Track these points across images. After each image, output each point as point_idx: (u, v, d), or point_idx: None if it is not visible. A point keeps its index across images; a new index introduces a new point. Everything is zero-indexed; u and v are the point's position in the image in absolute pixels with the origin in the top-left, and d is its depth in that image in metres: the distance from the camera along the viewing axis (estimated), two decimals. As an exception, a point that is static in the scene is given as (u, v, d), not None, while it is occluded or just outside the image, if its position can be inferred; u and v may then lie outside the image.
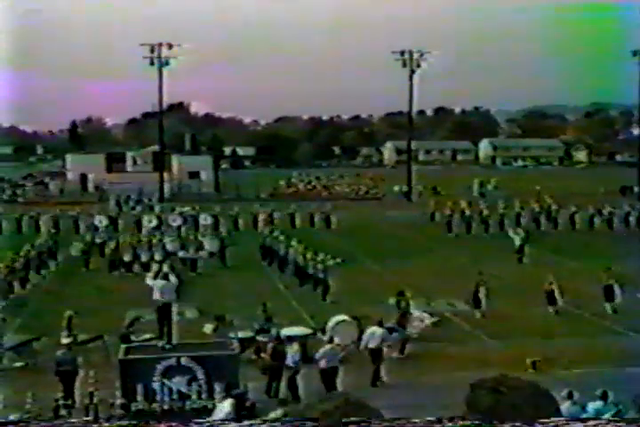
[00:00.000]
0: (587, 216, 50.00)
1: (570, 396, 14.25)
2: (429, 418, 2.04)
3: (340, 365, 18.58)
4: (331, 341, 20.19)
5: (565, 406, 13.80)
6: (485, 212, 49.04)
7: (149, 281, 20.91)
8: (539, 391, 2.28)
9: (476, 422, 2.05)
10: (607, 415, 9.01)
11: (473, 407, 2.23)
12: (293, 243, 34.26)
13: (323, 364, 18.23)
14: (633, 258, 34.17)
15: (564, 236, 46.32)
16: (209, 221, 47.08)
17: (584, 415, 10.46)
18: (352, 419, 1.91)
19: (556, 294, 26.21)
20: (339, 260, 31.15)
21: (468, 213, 49.09)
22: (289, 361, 18.27)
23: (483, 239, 45.35)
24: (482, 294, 26.24)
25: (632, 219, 50.21)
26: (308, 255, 31.29)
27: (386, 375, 19.75)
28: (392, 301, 24.31)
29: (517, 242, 37.88)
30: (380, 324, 20.54)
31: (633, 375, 17.96)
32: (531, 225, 47.52)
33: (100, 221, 46.93)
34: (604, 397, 13.18)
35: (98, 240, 38.93)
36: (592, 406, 13.32)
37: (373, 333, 20.18)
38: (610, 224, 49.59)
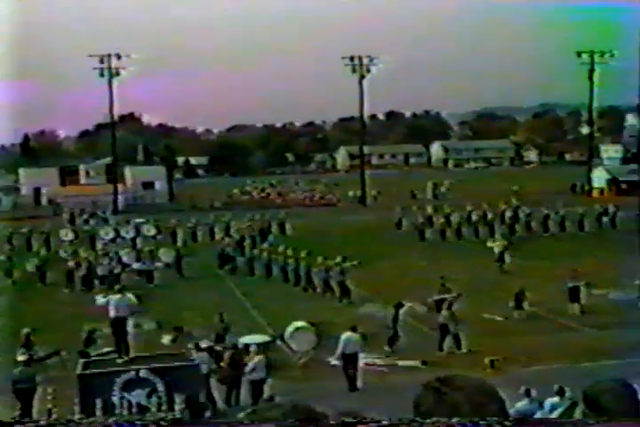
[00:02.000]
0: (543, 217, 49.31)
1: (527, 393, 14.46)
2: (430, 418, 2.05)
3: (268, 375, 18.46)
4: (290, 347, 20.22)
5: (523, 404, 14.01)
6: (455, 219, 48.08)
7: (100, 301, 20.42)
8: (483, 390, 2.26)
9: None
10: (560, 409, 9.18)
11: (417, 408, 2.25)
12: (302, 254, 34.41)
13: (253, 375, 18.16)
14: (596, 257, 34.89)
15: (540, 240, 45.43)
16: (152, 232, 46.68)
17: (540, 412, 10.62)
18: (352, 419, 1.91)
19: (525, 297, 26.42)
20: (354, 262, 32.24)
21: (441, 219, 47.93)
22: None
23: (451, 245, 44.72)
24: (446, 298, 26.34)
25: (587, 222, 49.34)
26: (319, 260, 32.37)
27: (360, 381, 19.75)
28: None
29: (497, 250, 36.69)
30: (354, 329, 20.50)
31: (588, 370, 18.28)
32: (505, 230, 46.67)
33: (67, 234, 46.50)
34: (560, 392, 13.37)
35: (63, 254, 38.62)
36: (549, 402, 13.52)
37: (349, 338, 20.12)
38: (581, 226, 48.79)
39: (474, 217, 48.57)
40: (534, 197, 60.53)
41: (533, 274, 32.72)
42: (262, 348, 20.14)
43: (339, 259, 31.92)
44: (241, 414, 2.10)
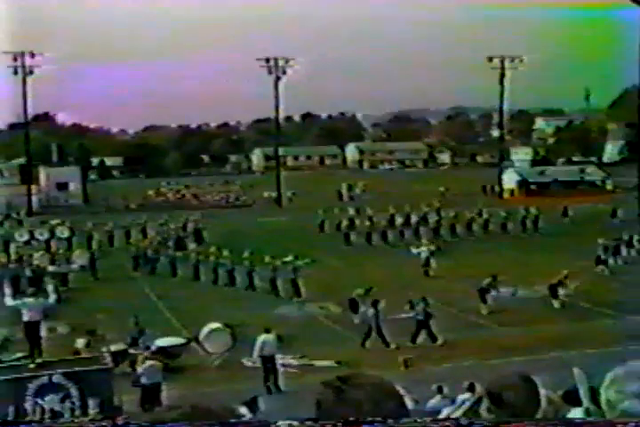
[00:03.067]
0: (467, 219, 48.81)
1: (440, 390, 14.81)
2: (431, 418, 2.11)
3: (164, 381, 18.25)
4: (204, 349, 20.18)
5: (435, 400, 14.34)
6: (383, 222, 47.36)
7: (10, 302, 20.06)
8: (382, 388, 2.31)
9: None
10: (467, 405, 9.45)
11: (318, 405, 2.31)
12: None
13: (144, 380, 17.98)
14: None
15: (464, 243, 44.96)
16: (65, 234, 45.85)
17: (447, 408, 10.88)
18: (352, 419, 1.96)
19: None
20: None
21: (366, 222, 47.02)
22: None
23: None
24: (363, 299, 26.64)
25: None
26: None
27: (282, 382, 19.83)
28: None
29: (424, 255, 36.02)
30: (268, 331, 20.60)
31: (498, 367, 18.78)
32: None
33: (22, 235, 45.53)
34: (470, 389, 13.72)
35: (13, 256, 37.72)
36: (460, 398, 13.84)
37: (265, 340, 20.23)
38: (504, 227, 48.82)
39: (398, 220, 48.05)
40: (449, 198, 61.89)
41: (451, 275, 33.32)
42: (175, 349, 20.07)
43: (290, 257, 32.44)
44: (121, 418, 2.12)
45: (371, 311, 23.83)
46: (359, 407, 2.23)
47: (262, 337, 20.33)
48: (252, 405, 12.92)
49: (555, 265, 31.49)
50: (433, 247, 36.90)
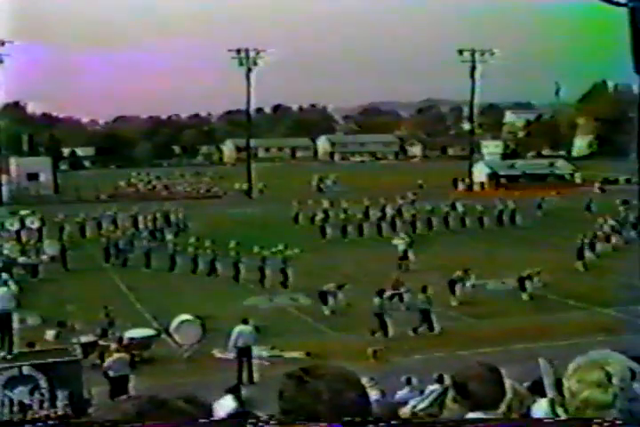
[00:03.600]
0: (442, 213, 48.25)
1: (408, 381, 14.92)
2: (430, 419, 2.12)
3: (131, 372, 18.33)
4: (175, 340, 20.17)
5: (404, 392, 14.45)
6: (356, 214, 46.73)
7: None
8: (343, 378, 2.33)
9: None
10: (433, 395, 9.55)
11: (281, 396, 2.33)
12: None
13: (111, 373, 18.01)
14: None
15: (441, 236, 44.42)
16: (36, 224, 45.50)
17: (413, 400, 10.97)
18: (352, 419, 1.98)
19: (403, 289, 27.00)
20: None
21: (341, 215, 46.28)
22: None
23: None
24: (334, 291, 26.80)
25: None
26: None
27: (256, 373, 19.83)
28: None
29: (401, 247, 35.79)
30: (245, 322, 20.59)
31: (467, 358, 18.95)
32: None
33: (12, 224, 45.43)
34: (439, 380, 13.83)
35: None
36: (429, 389, 13.95)
37: (241, 331, 20.18)
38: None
39: (372, 213, 47.52)
40: (421, 191, 62.15)
41: (423, 267, 33.42)
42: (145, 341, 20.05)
43: (280, 246, 32.80)
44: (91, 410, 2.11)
45: (422, 296, 24.42)
46: (319, 398, 2.24)
47: (238, 328, 20.26)
48: (235, 393, 12.50)
49: (529, 259, 31.84)
50: (409, 240, 36.76)
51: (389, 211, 48.42)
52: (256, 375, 19.73)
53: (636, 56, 1.55)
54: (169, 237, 41.08)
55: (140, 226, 45.74)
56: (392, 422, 1.92)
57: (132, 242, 38.90)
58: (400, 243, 36.28)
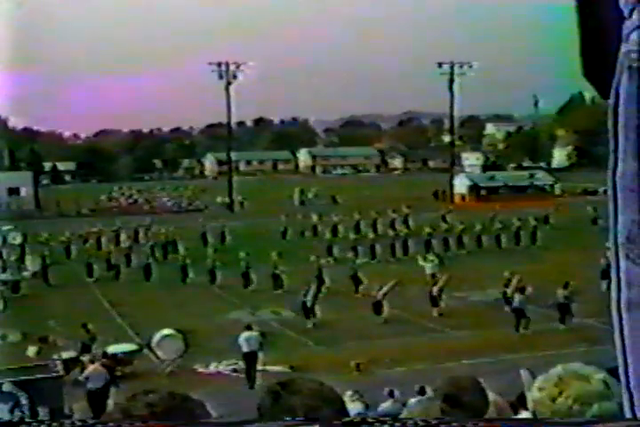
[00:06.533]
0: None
1: (391, 394, 14.88)
2: (432, 418, 2.12)
3: (115, 386, 18.25)
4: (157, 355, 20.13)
5: (387, 405, 14.41)
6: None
7: None
8: (319, 394, 2.29)
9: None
10: (417, 407, 9.54)
11: (259, 410, 2.30)
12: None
13: (89, 384, 18.03)
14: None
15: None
16: (17, 240, 45.16)
17: (399, 412, 10.96)
18: (352, 419, 1.98)
19: (384, 302, 26.96)
20: None
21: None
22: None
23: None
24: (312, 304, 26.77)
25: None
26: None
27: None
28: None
29: (429, 271, 33.13)
30: (250, 328, 21.16)
31: (448, 370, 18.95)
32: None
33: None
34: (421, 392, 13.82)
35: None
36: (412, 402, 13.94)
37: (249, 337, 20.70)
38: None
39: (362, 227, 46.50)
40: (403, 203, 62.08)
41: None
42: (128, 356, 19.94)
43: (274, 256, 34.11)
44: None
45: (520, 297, 25.35)
46: (293, 414, 2.21)
47: (245, 334, 20.84)
48: None
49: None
50: (438, 259, 34.88)
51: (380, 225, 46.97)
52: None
53: (585, 58, 1.52)
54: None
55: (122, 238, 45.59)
56: (392, 423, 1.93)
57: (128, 256, 38.73)
58: (427, 265, 33.76)
